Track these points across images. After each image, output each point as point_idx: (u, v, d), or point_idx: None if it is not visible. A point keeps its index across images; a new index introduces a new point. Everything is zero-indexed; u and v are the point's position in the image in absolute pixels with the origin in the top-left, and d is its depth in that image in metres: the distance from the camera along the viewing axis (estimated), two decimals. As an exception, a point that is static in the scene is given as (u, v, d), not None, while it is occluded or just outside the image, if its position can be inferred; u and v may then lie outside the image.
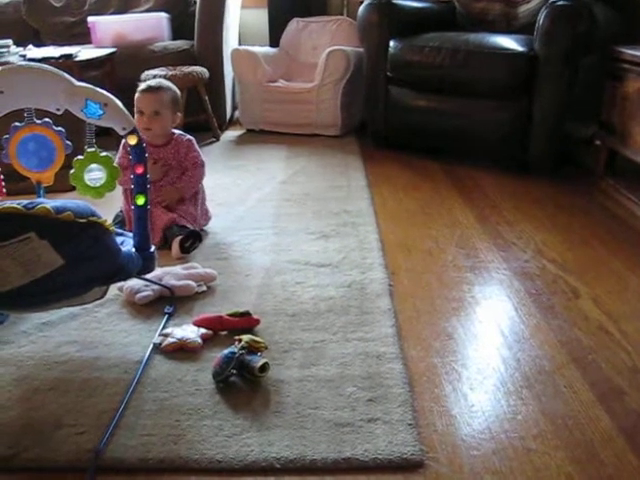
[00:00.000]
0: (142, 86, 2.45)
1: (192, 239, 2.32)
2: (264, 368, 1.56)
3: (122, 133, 1.64)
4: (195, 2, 4.12)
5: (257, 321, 1.81)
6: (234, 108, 4.51)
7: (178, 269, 2.09)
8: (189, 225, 2.38)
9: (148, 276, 1.88)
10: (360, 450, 1.33)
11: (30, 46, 3.67)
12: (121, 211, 2.48)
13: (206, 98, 3.90)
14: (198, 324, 1.79)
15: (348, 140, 3.96)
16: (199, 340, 1.72)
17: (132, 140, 1.66)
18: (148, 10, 4.30)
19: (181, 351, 1.70)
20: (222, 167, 3.42)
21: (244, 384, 1.56)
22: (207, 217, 2.58)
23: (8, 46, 3.54)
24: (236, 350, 1.57)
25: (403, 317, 1.88)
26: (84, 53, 3.45)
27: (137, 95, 2.43)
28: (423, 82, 3.38)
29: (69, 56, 3.28)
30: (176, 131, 2.52)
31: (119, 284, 1.97)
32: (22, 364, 1.66)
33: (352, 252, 2.31)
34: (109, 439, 1.38)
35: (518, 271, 2.17)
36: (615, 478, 1.27)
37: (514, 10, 3.55)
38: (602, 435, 1.39)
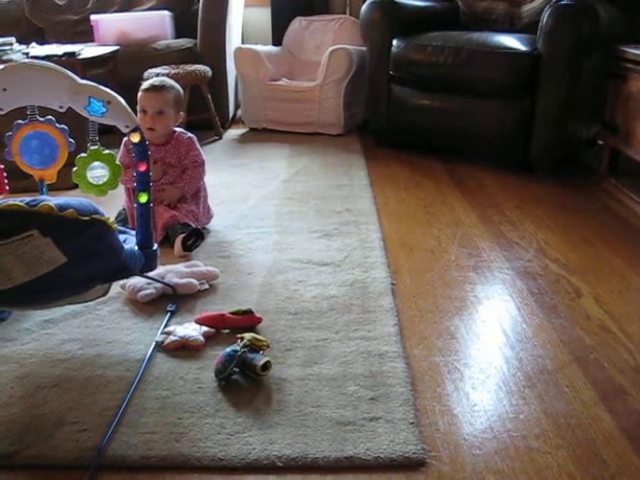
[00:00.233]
0: (145, 85, 2.45)
1: (194, 237, 2.32)
2: (266, 366, 1.56)
3: (125, 131, 1.65)
4: (198, 0, 4.12)
5: (259, 319, 1.81)
6: (237, 106, 4.51)
7: (180, 267, 2.09)
8: (191, 223, 2.38)
9: (150, 274, 1.89)
10: (362, 449, 1.33)
11: (33, 44, 3.68)
12: (124, 209, 2.49)
13: (209, 96, 3.90)
14: (200, 322, 1.78)
15: (350, 139, 3.96)
16: (201, 338, 1.72)
17: (135, 138, 1.66)
18: (151, 8, 4.31)
19: (183, 349, 1.70)
20: (224, 165, 3.42)
21: (246, 382, 1.56)
22: (209, 215, 2.58)
23: (11, 44, 3.55)
24: (238, 348, 1.57)
25: (405, 316, 1.88)
26: (87, 51, 3.45)
27: (140, 94, 2.42)
28: (426, 81, 3.38)
29: (72, 54, 3.28)
30: (177, 129, 2.52)
31: (121, 282, 1.98)
32: (24, 361, 1.66)
33: (354, 251, 2.31)
34: (111, 437, 1.38)
35: (521, 270, 2.17)
36: (617, 478, 1.27)
37: (517, 9, 3.55)
38: (604, 435, 1.39)
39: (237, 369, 1.56)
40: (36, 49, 3.50)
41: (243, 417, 1.44)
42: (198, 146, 2.53)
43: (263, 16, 4.66)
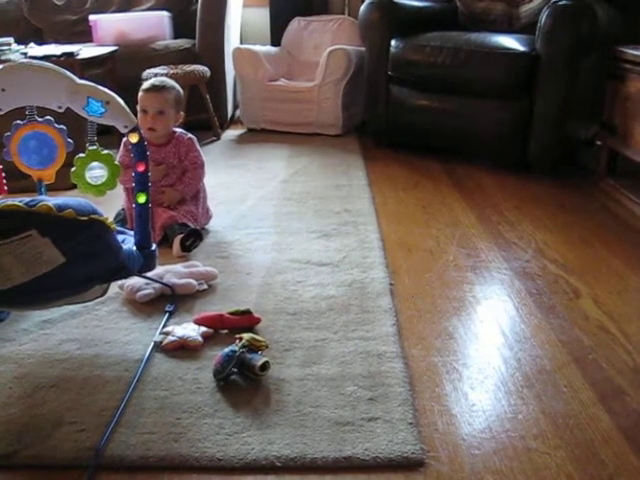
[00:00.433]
0: (146, 85, 2.45)
1: (193, 237, 2.32)
2: (265, 367, 1.56)
3: (124, 131, 1.65)
4: (197, 1, 4.12)
5: (258, 320, 1.81)
6: (235, 107, 4.51)
7: (179, 267, 2.09)
8: (190, 223, 2.38)
9: (149, 274, 1.89)
10: (361, 449, 1.33)
11: (31, 44, 3.67)
12: (123, 209, 2.49)
13: (207, 97, 3.90)
14: (199, 322, 1.78)
15: (349, 139, 3.96)
16: (200, 338, 1.72)
17: (133, 138, 1.66)
18: (150, 8, 4.31)
19: (182, 349, 1.70)
20: (223, 166, 3.42)
21: (245, 383, 1.56)
22: (208, 216, 2.58)
23: (9, 44, 3.54)
24: (237, 349, 1.57)
25: (404, 316, 1.88)
26: (86, 51, 3.45)
27: (141, 94, 2.42)
28: (424, 81, 3.38)
29: (71, 54, 3.28)
30: (177, 129, 2.52)
31: (120, 282, 1.98)
32: (23, 362, 1.66)
33: (353, 251, 2.31)
34: (109, 437, 1.38)
35: (519, 271, 2.17)
36: (615, 478, 1.27)
37: (516, 10, 3.55)
38: (602, 435, 1.39)
39: (236, 369, 1.56)
40: (34, 49, 3.50)
41: (242, 417, 1.44)
42: (198, 147, 2.53)
43: (262, 16, 4.66)
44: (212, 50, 4.06)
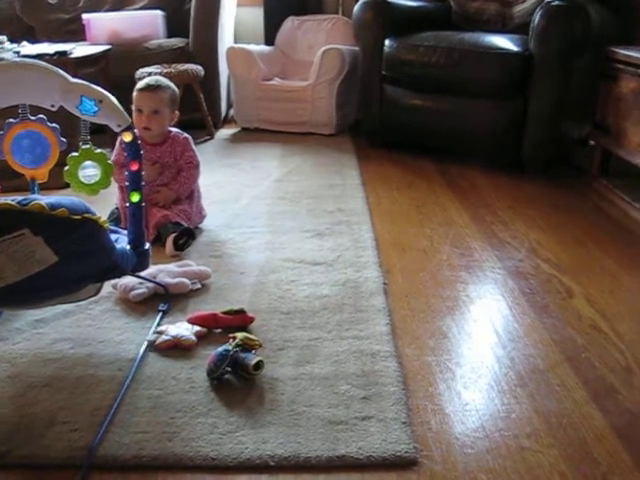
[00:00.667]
0: (141, 84, 2.44)
1: (185, 237, 2.31)
2: (258, 366, 1.56)
3: (117, 130, 1.64)
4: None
5: (251, 319, 1.81)
6: (229, 106, 4.50)
7: (172, 267, 2.09)
8: (183, 222, 2.38)
9: (142, 273, 1.88)
10: (354, 448, 1.33)
11: (24, 43, 3.66)
12: (116, 208, 2.48)
13: (201, 96, 3.90)
14: (192, 322, 1.78)
15: (343, 139, 3.96)
16: (193, 338, 1.72)
17: (127, 137, 1.66)
18: (143, 7, 4.30)
19: (175, 349, 1.69)
20: (217, 165, 3.41)
21: (238, 382, 1.56)
22: (201, 215, 2.58)
23: (2, 42, 3.53)
24: (230, 348, 1.57)
25: (397, 315, 1.88)
26: (79, 50, 3.43)
27: (136, 93, 2.42)
28: (418, 81, 3.38)
29: (64, 53, 3.27)
30: (173, 129, 2.52)
31: (113, 281, 1.97)
32: (15, 361, 1.65)
33: (347, 251, 2.31)
34: (103, 436, 1.37)
35: (512, 270, 2.18)
36: (608, 476, 1.27)
37: (509, 10, 3.56)
38: (595, 433, 1.39)
39: (229, 369, 1.56)
40: (27, 48, 3.48)
41: (235, 416, 1.44)
42: (193, 147, 2.53)
43: (255, 15, 4.66)
44: (206, 49, 4.05)
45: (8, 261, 1.34)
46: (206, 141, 3.96)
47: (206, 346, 1.70)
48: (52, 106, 1.60)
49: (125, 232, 1.79)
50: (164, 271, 2.05)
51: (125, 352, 1.69)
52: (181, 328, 1.75)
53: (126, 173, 1.72)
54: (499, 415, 1.45)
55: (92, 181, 1.78)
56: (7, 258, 1.33)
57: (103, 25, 4.06)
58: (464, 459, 1.32)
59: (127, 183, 1.73)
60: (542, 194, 2.95)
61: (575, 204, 2.82)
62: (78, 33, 4.11)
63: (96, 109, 1.60)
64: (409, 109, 3.45)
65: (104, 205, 2.40)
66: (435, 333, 1.79)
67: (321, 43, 4.14)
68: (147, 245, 1.77)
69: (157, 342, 1.70)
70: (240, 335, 1.62)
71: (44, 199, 1.33)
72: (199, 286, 2.04)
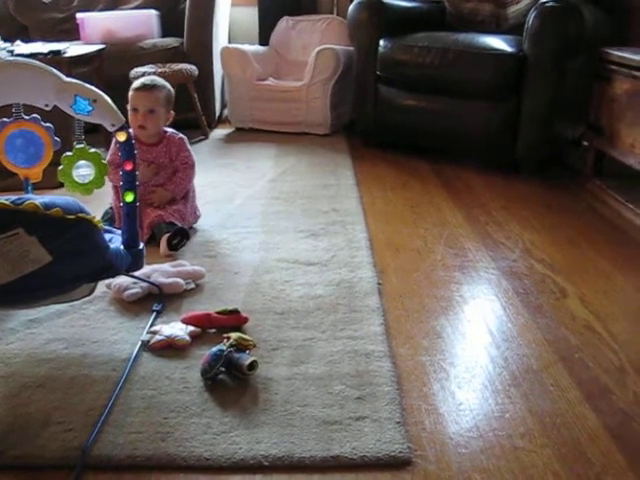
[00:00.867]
0: (136, 84, 2.44)
1: (179, 237, 2.31)
2: (252, 366, 1.56)
3: (111, 130, 1.64)
4: (185, -1, 4.12)
5: (245, 319, 1.81)
6: (223, 106, 4.50)
7: (166, 266, 2.09)
8: (177, 222, 2.37)
9: (136, 273, 1.88)
10: (348, 448, 1.33)
11: (18, 42, 3.64)
12: (111, 208, 2.48)
13: (195, 96, 3.89)
14: (186, 322, 1.78)
15: (337, 139, 3.96)
16: (187, 338, 1.72)
17: (121, 137, 1.66)
18: (137, 7, 4.29)
19: (169, 349, 1.69)
20: (211, 165, 3.41)
21: (232, 382, 1.56)
22: (196, 215, 2.57)
23: (-5, 42, 3.52)
24: (224, 348, 1.57)
25: (392, 315, 1.89)
26: (73, 49, 3.43)
27: (131, 93, 2.42)
28: (412, 81, 3.38)
29: (58, 52, 3.26)
30: (168, 129, 2.52)
31: (107, 281, 1.97)
32: (9, 361, 1.65)
33: (341, 251, 2.31)
34: (97, 437, 1.37)
35: (506, 270, 2.18)
36: (602, 476, 1.28)
37: (504, 11, 3.57)
38: (589, 433, 1.40)
39: (223, 369, 1.56)
40: (21, 47, 3.47)
41: (229, 417, 1.44)
42: (189, 147, 2.53)
43: (250, 15, 4.66)
44: (200, 49, 4.05)
45: (2, 261, 1.33)
46: (200, 141, 3.95)
47: (200, 346, 1.70)
48: (46, 105, 1.60)
49: (119, 232, 1.79)
50: (158, 271, 2.04)
51: (119, 352, 1.69)
52: (175, 328, 1.75)
53: (121, 173, 1.72)
54: (493, 415, 1.45)
55: (86, 181, 1.78)
56: (1, 258, 1.33)
57: (97, 24, 4.05)
58: (458, 459, 1.32)
59: (122, 183, 1.73)
60: (536, 194, 2.96)
61: (569, 204, 2.83)
62: (72, 32, 4.10)
63: (90, 108, 1.59)
64: (403, 109, 3.46)
65: (98, 205, 2.40)
66: (429, 333, 1.80)
67: (316, 43, 4.14)
68: (141, 245, 1.77)
69: (151, 342, 1.70)
70: (234, 335, 1.62)
71: (38, 199, 1.33)
72: (193, 286, 2.04)
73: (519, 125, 3.07)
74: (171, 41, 4.10)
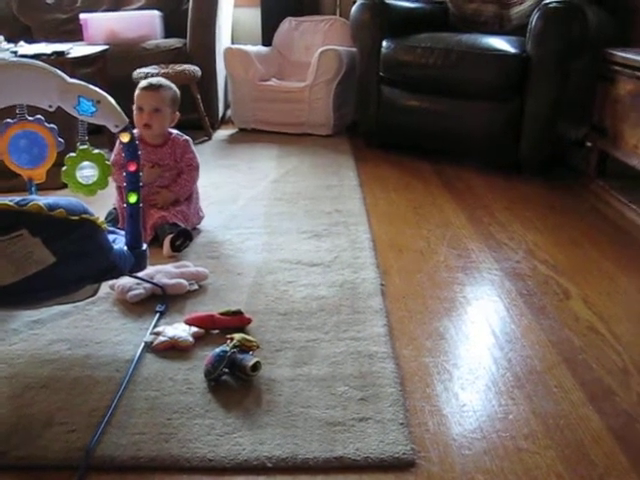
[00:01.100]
0: (143, 83, 2.46)
1: (182, 238, 2.31)
2: (256, 367, 1.56)
3: (115, 130, 1.64)
4: (188, 0, 4.11)
5: (249, 320, 1.81)
6: (226, 107, 4.50)
7: (170, 267, 2.09)
8: (180, 223, 2.38)
9: (140, 274, 1.88)
10: (352, 449, 1.33)
11: (21, 42, 3.65)
12: (114, 208, 2.48)
13: (198, 96, 3.89)
14: (190, 323, 1.78)
15: (340, 140, 3.96)
16: (191, 339, 1.72)
17: (125, 138, 1.66)
18: (140, 8, 4.29)
19: (172, 350, 1.69)
20: (214, 166, 3.41)
21: (236, 383, 1.56)
22: (199, 216, 2.58)
23: (-1, 42, 3.53)
24: (228, 349, 1.57)
25: (395, 317, 1.88)
26: (76, 50, 3.43)
27: (137, 92, 2.43)
28: (415, 82, 3.38)
29: (61, 53, 3.26)
30: (173, 131, 2.52)
31: (110, 282, 1.97)
32: (13, 362, 1.65)
33: (344, 252, 2.31)
34: (100, 437, 1.37)
35: (509, 272, 2.18)
36: (605, 477, 1.28)
37: (507, 11, 3.56)
38: (592, 435, 1.39)
39: (227, 370, 1.56)
40: (25, 48, 3.47)
41: (233, 418, 1.44)
42: (194, 149, 2.54)
43: (253, 16, 4.66)
44: (203, 50, 4.05)
45: (6, 262, 1.34)
46: (203, 142, 3.95)
47: (203, 347, 1.70)
48: (50, 106, 1.60)
49: (123, 233, 1.79)
50: (161, 272, 2.04)
51: (122, 353, 1.69)
52: (178, 329, 1.75)
53: (124, 174, 1.72)
54: (496, 416, 1.45)
55: (90, 182, 1.78)
56: (5, 259, 1.33)
57: (100, 25, 4.06)
58: (462, 460, 1.32)
59: (125, 184, 1.73)
60: (539, 195, 2.96)
61: (572, 205, 2.83)
62: (75, 33, 4.11)
63: (94, 109, 1.60)
64: (406, 110, 3.46)
65: (102, 206, 2.40)
66: (432, 334, 1.79)
67: (318, 44, 4.14)
68: (145, 246, 1.77)
69: (154, 343, 1.70)
70: (237, 336, 1.62)
71: (42, 200, 1.33)
72: (196, 287, 2.04)
73: (522, 126, 3.07)
74: (174, 42, 4.10)
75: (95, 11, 4.23)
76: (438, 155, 3.50)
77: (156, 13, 4.20)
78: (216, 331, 1.78)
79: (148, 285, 1.97)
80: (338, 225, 2.57)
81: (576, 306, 1.95)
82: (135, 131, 2.27)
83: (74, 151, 1.76)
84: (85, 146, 1.75)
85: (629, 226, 2.60)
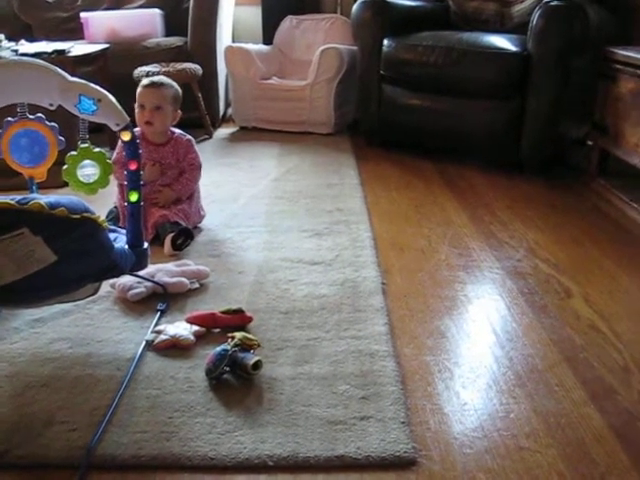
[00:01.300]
0: (145, 81, 2.47)
1: (183, 237, 2.31)
2: (257, 366, 1.56)
3: (115, 129, 1.64)
4: (188, -2, 4.11)
5: (250, 318, 1.81)
6: (227, 105, 4.49)
7: (171, 266, 2.09)
8: (181, 222, 2.38)
9: (141, 273, 1.88)
10: (353, 448, 1.33)
11: (22, 41, 3.64)
12: (115, 207, 2.48)
13: (199, 95, 3.89)
14: (191, 321, 1.78)
15: (341, 138, 3.96)
16: (192, 337, 1.72)
17: (125, 136, 1.66)
18: (141, 6, 4.29)
19: (174, 348, 1.69)
20: (215, 164, 3.41)
21: (237, 381, 1.56)
22: (200, 215, 2.57)
23: (0, 41, 3.52)
24: (229, 347, 1.57)
25: (396, 315, 1.88)
26: (77, 49, 3.43)
27: (139, 90, 2.44)
28: (416, 81, 3.38)
29: (62, 51, 3.26)
30: (176, 130, 2.53)
31: (111, 281, 1.97)
32: (14, 360, 1.65)
33: (345, 250, 2.31)
34: (101, 436, 1.37)
35: (511, 270, 2.18)
36: (606, 476, 1.28)
37: (508, 10, 3.56)
38: (593, 433, 1.39)
39: (228, 368, 1.56)
40: (25, 46, 3.47)
41: (234, 416, 1.44)
42: (196, 149, 2.55)
43: (254, 14, 4.65)
44: (204, 48, 4.04)
45: (7, 260, 1.34)
46: (204, 140, 3.95)
47: (204, 346, 1.70)
48: (51, 105, 1.60)
49: (124, 231, 1.79)
50: (163, 270, 2.04)
51: (123, 352, 1.69)
52: (179, 327, 1.75)
53: (125, 172, 1.72)
54: (498, 415, 1.45)
55: (91, 180, 1.78)
56: (6, 257, 1.33)
57: (101, 24, 4.06)
58: (463, 459, 1.32)
59: (126, 182, 1.73)
60: (540, 194, 2.96)
61: (573, 204, 2.83)
62: (76, 32, 4.10)
63: (95, 108, 1.59)
64: (407, 109, 3.45)
65: (103, 204, 2.40)
66: (433, 333, 1.79)
67: (319, 42, 4.13)
68: (146, 244, 1.77)
69: (155, 342, 1.70)
70: (239, 335, 1.62)
71: (43, 198, 1.33)
72: (197, 285, 2.04)
73: (523, 124, 3.06)
74: (175, 40, 4.10)
75: (96, 10, 4.23)
76: (439, 154, 3.50)
77: (157, 11, 4.19)
78: (217, 330, 1.78)
79: (149, 284, 1.97)
80: (339, 224, 2.57)
81: (577, 305, 1.95)
82: (137, 129, 2.28)
83: (75, 150, 1.76)
84: (86, 145, 1.75)
85: (630, 225, 2.60)
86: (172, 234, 2.28)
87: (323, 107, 3.93)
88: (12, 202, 1.28)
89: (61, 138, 1.83)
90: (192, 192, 2.52)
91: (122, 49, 3.89)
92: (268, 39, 4.48)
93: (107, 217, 2.40)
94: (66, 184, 1.79)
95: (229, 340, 1.61)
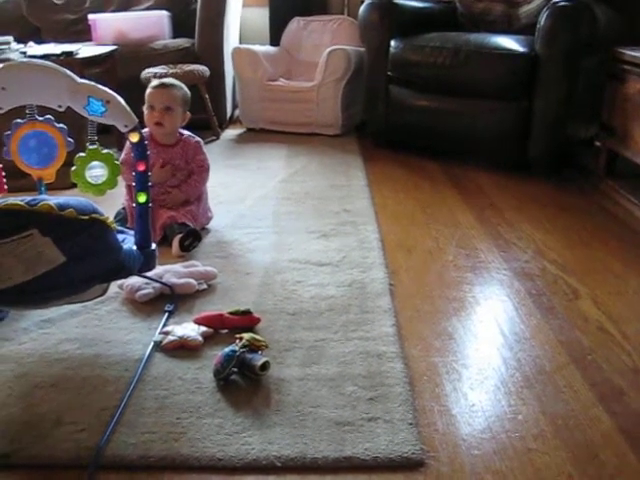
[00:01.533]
0: (154, 82, 2.48)
1: (191, 238, 2.31)
2: (265, 367, 1.56)
3: (124, 130, 1.64)
4: (196, 0, 4.12)
5: (258, 320, 1.81)
6: (234, 107, 4.50)
7: (178, 267, 2.09)
8: (189, 223, 2.38)
9: (149, 274, 1.88)
10: (361, 449, 1.33)
11: (31, 43, 3.66)
12: (123, 208, 2.49)
13: (207, 96, 3.90)
14: (199, 322, 1.78)
15: (348, 139, 3.96)
16: (200, 338, 1.72)
17: (134, 137, 1.66)
18: (149, 8, 4.30)
19: (182, 349, 1.69)
20: (222, 166, 3.41)
21: (245, 382, 1.56)
22: (208, 216, 2.58)
23: (9, 43, 3.53)
24: (237, 348, 1.57)
25: (403, 316, 1.88)
26: (85, 50, 3.44)
27: (149, 91, 2.45)
28: (424, 82, 3.38)
29: (70, 53, 3.27)
30: (185, 132, 2.54)
31: (120, 282, 1.97)
32: (22, 361, 1.66)
33: (352, 251, 2.31)
34: (109, 437, 1.37)
35: (518, 271, 2.17)
36: (615, 478, 1.27)
37: (515, 10, 3.55)
38: (602, 435, 1.39)
39: (236, 369, 1.56)
40: (34, 48, 3.49)
41: (242, 417, 1.44)
42: (205, 150, 2.56)
43: (261, 16, 4.66)
44: (211, 50, 4.05)
45: (16, 261, 1.34)
46: (212, 141, 3.96)
47: (212, 347, 1.71)
48: (59, 106, 1.61)
49: (132, 233, 1.80)
50: (170, 271, 2.05)
51: (131, 352, 1.69)
52: (187, 329, 1.75)
53: (133, 173, 1.72)
54: (506, 416, 1.45)
55: (99, 181, 1.79)
56: (15, 258, 1.34)
57: (109, 25, 4.07)
58: (471, 460, 1.32)
59: (134, 184, 1.74)
60: (548, 195, 2.95)
61: (581, 205, 2.82)
62: (84, 34, 4.12)
63: (103, 109, 1.60)
64: (415, 110, 3.45)
65: (111, 205, 2.40)
66: (441, 334, 1.79)
67: (327, 44, 4.14)
68: (154, 246, 1.77)
69: (163, 342, 1.71)
70: (247, 336, 1.62)
71: (52, 199, 1.34)
72: (205, 286, 2.05)
73: (531, 125, 3.06)
74: (182, 42, 4.11)
75: (104, 11, 4.25)
76: (447, 155, 3.50)
77: (164, 13, 4.21)
78: (225, 330, 1.78)
79: (157, 285, 1.98)
80: (346, 225, 2.57)
81: (585, 306, 1.95)
82: (145, 130, 2.29)
83: (83, 151, 1.76)
84: (94, 146, 1.75)
85: (638, 226, 2.59)
86: (180, 235, 2.29)
87: (330, 108, 3.93)
88: (22, 203, 1.29)
89: (70, 139, 1.84)
90: (200, 194, 2.52)
91: (130, 51, 3.91)
92: (275, 40, 4.49)
93: (115, 218, 2.40)
94: (75, 185, 1.80)
95: (237, 341, 1.61)
